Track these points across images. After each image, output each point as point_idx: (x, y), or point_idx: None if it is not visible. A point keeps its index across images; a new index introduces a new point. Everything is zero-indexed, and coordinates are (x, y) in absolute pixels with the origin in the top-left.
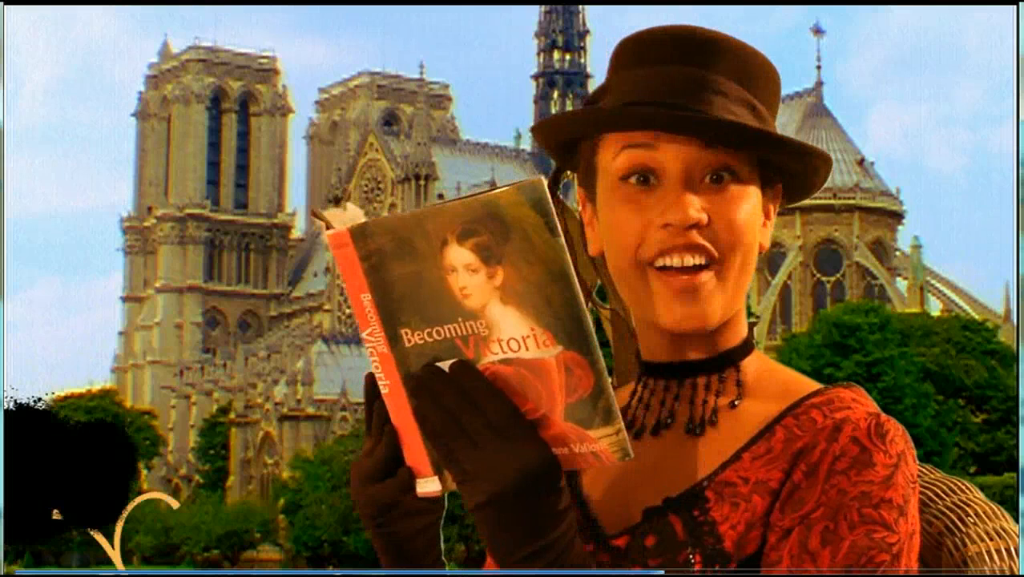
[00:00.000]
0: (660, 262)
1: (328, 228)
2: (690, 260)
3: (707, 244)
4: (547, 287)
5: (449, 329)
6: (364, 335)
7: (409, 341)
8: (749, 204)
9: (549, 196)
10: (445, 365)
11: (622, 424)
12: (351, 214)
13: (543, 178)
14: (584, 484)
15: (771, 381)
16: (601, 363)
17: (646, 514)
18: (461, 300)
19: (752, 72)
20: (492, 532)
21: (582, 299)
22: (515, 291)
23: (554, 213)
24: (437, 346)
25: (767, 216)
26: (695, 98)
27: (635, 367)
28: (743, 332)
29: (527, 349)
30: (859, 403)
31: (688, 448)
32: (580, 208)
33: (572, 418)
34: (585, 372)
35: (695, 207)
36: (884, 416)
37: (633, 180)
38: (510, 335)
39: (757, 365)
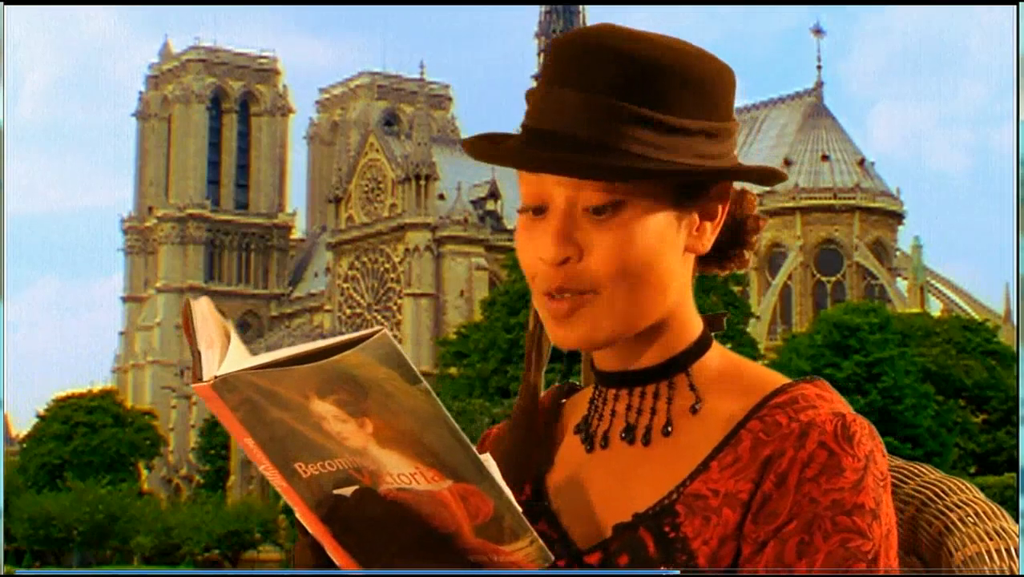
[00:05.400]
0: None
1: (195, 380)
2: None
3: (571, 286)
4: (421, 433)
5: (340, 462)
6: (261, 469)
7: (306, 473)
8: (641, 229)
9: (397, 347)
10: (348, 492)
11: (534, 535)
12: (218, 360)
13: (386, 331)
14: (552, 496)
15: (733, 378)
16: (497, 488)
17: (616, 530)
18: (341, 441)
19: (707, 91)
20: None
21: (462, 433)
22: (389, 438)
23: (408, 362)
24: (334, 476)
25: (709, 218)
26: (599, 129)
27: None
28: (693, 332)
29: (417, 483)
30: (824, 399)
31: (653, 458)
32: None
33: (482, 535)
34: (481, 499)
35: (560, 244)
36: (850, 415)
37: (529, 211)
38: (398, 471)
39: (718, 361)
